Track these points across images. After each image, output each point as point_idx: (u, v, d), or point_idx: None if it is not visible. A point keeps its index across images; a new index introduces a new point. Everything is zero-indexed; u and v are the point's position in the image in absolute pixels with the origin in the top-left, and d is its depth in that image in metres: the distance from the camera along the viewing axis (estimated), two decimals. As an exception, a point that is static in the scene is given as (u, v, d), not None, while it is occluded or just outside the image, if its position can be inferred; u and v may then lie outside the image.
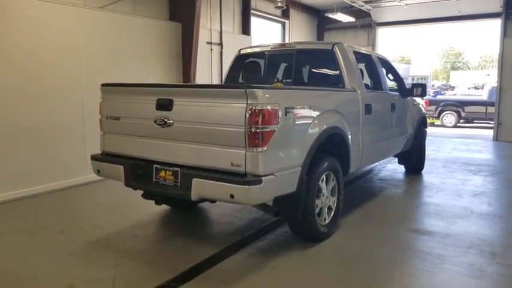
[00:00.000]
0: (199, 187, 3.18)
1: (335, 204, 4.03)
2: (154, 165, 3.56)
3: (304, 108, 3.45)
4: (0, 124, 4.95)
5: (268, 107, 3.06)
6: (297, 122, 3.36)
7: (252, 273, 3.21)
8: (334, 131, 3.91)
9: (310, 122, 3.52)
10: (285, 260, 3.44)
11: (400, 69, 30.20)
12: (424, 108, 6.88)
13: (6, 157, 5.02)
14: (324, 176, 3.79)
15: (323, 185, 3.81)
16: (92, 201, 5.16)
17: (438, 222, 4.39)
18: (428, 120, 16.50)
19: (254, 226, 4.18)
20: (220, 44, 8.25)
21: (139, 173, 3.60)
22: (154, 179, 3.56)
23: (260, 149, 3.03)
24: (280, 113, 3.15)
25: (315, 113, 3.58)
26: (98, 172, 3.85)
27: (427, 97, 18.05)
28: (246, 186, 2.98)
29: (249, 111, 3.00)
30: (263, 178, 3.04)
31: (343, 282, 3.11)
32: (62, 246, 3.68)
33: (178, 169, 3.37)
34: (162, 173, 3.52)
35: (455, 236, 4.00)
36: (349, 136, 4.17)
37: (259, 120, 3.01)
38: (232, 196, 3.02)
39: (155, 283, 3.03)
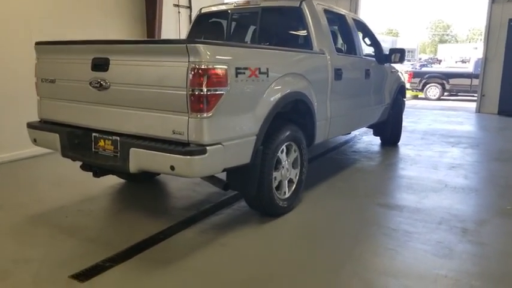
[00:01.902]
0: (137, 158, 2.83)
1: (297, 177, 3.72)
2: (93, 134, 3.18)
3: (260, 69, 3.07)
4: None
5: (215, 67, 2.68)
6: (251, 86, 2.99)
7: (198, 250, 2.91)
8: (297, 97, 3.56)
9: (267, 86, 3.15)
10: (237, 237, 3.14)
11: (387, 41, 29.75)
12: (406, 79, 6.55)
13: None
14: (284, 147, 3.46)
15: (283, 156, 3.48)
16: (40, 174, 4.76)
17: (409, 196, 4.13)
18: (412, 93, 16.36)
19: (212, 200, 3.86)
20: (189, 7, 7.70)
21: (77, 142, 3.22)
22: (93, 149, 3.20)
23: (205, 115, 2.67)
24: (229, 74, 2.77)
25: (273, 76, 3.21)
26: (35, 141, 3.47)
27: (411, 69, 17.80)
28: (188, 157, 2.64)
29: (192, 71, 2.62)
30: (208, 148, 2.69)
31: (294, 261, 2.82)
32: (1, 222, 3.33)
33: (118, 138, 3.00)
34: (101, 143, 3.15)
35: (426, 211, 3.74)
36: (315, 104, 3.83)
37: (204, 82, 2.64)
38: (172, 168, 2.68)
39: (89, 262, 2.71)
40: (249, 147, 3.06)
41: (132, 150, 2.83)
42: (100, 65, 2.99)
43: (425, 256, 2.91)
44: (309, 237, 3.19)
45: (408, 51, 39.40)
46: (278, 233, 3.24)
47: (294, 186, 3.70)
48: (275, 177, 3.41)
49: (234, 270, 2.69)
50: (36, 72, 3.44)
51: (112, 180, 4.22)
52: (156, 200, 3.96)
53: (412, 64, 25.85)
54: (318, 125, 3.92)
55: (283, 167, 3.50)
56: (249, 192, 3.27)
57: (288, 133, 3.46)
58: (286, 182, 3.60)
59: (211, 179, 3.15)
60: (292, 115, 3.74)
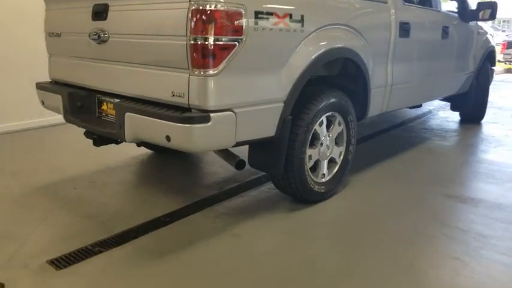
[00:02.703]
0: (132, 124, 2.32)
1: (341, 157, 3.02)
2: (97, 96, 2.74)
3: (291, 16, 2.38)
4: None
5: (225, 8, 2.06)
6: (277, 37, 2.33)
7: (204, 240, 2.38)
8: (345, 55, 2.82)
9: (301, 38, 2.46)
10: (255, 227, 2.56)
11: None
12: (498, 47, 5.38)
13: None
14: (323, 118, 2.77)
15: (322, 130, 2.80)
16: (61, 143, 4.42)
17: (488, 187, 3.25)
18: (504, 66, 14.23)
19: (239, 179, 3.31)
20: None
21: (79, 105, 2.80)
22: (97, 114, 2.77)
23: (210, 72, 2.08)
24: (246, 19, 2.14)
25: (310, 26, 2.50)
26: (43, 103, 3.12)
27: (504, 39, 15.53)
28: (185, 125, 2.07)
29: (193, 14, 2.03)
30: (213, 115, 2.10)
31: (315, 267, 2.18)
32: (5, 191, 3.06)
33: (117, 101, 2.53)
34: (104, 106, 2.70)
35: (510, 208, 2.87)
36: (370, 66, 3.05)
37: (209, 28, 2.03)
38: (168, 138, 2.14)
39: (77, 245, 2.30)
40: (272, 117, 2.42)
41: (128, 115, 2.33)
42: (100, 12, 2.50)
43: (504, 273, 2.12)
44: (343, 236, 2.51)
45: (504, 21, 35.15)
46: (307, 226, 2.61)
47: (337, 167, 3.01)
48: (310, 156, 2.74)
49: (238, 270, 2.13)
50: (45, 26, 3.06)
51: (137, 151, 3.83)
52: (180, 175, 3.48)
53: (507, 35, 22.88)
54: (373, 93, 3.15)
55: (321, 144, 2.82)
56: (273, 173, 2.66)
57: (330, 101, 2.75)
58: (326, 162, 2.92)
59: (224, 153, 2.58)
60: (338, 79, 3.02)
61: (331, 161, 2.98)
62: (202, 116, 2.08)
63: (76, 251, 2.27)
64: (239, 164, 2.50)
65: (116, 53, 2.48)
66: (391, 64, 3.33)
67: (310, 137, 2.69)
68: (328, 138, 2.86)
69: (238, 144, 2.31)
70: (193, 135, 2.08)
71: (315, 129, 2.73)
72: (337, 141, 2.99)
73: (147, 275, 2.07)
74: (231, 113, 2.18)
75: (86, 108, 2.79)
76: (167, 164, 3.71)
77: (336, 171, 3.00)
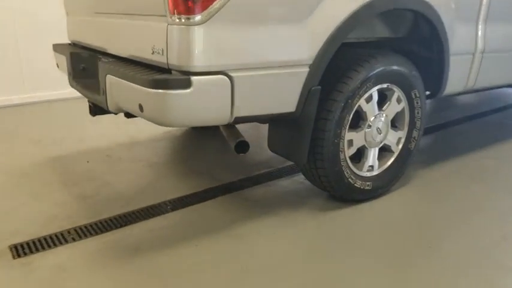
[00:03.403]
0: (112, 89, 1.86)
1: (400, 145, 2.28)
2: (98, 57, 2.33)
3: None
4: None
5: None
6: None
7: (197, 237, 1.87)
8: (412, 6, 2.05)
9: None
10: (265, 227, 1.98)
11: None
12: None
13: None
14: (373, 92, 2.06)
15: (370, 107, 2.08)
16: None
17: None
18: None
19: (274, 164, 2.72)
20: None
21: (82, 68, 2.42)
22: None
23: (195, 18, 1.52)
24: None
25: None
26: (58, 66, 2.82)
27: None
28: (158, 91, 1.55)
29: None
30: (196, 79, 1.54)
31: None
32: (18, 159, 2.85)
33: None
34: (103, 68, 2.29)
35: None
36: (450, 21, 2.23)
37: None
38: (141, 108, 1.64)
39: (51, 230, 1.96)
40: (291, 86, 1.78)
41: (108, 78, 1.87)
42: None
43: None
44: (383, 254, 1.82)
45: None
46: (334, 235, 1.95)
47: (393, 159, 2.28)
48: (350, 141, 2.07)
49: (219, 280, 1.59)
50: (61, -22, 2.73)
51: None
52: (206, 155, 2.99)
53: None
54: (453, 61, 2.33)
55: (369, 126, 2.11)
56: (296, 160, 2.03)
57: (385, 69, 2.03)
58: (375, 150, 2.20)
59: (226, 130, 2.01)
60: (407, 43, 2.27)
61: (385, 150, 2.26)
62: (180, 79, 1.54)
63: (48, 236, 1.92)
64: (239, 146, 1.92)
65: (107, 2, 2.03)
66: (483, 24, 2.45)
67: (350, 116, 2.01)
68: (380, 119, 2.14)
69: (239, 120, 1.73)
70: (167, 105, 1.55)
71: (359, 105, 2.03)
72: (395, 124, 2.25)
73: (102, 280, 1.63)
74: (224, 77, 1.60)
75: (88, 71, 2.40)
76: (200, 141, 3.25)
77: (391, 164, 2.27)
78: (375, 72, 2.00)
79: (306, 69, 1.78)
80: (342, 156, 2.02)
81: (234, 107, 1.66)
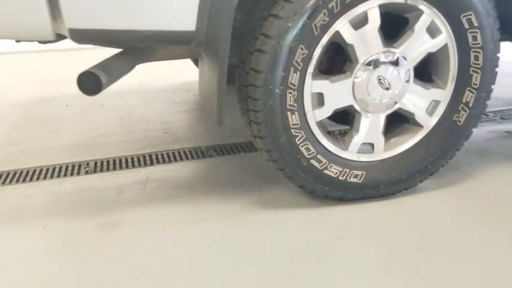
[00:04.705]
0: None
1: (437, 115, 1.28)
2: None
3: None
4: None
5: None
6: None
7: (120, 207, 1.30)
8: None
9: None
10: (206, 222, 1.27)
11: None
12: None
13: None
14: (367, 6, 1.12)
15: (360, 36, 1.15)
16: None
17: None
18: None
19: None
20: None
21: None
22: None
23: None
24: None
25: None
26: None
27: None
28: None
29: None
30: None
31: None
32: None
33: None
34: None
35: None
36: None
37: None
38: None
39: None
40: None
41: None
42: None
43: None
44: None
45: None
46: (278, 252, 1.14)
47: (419, 137, 1.30)
48: (319, 96, 1.19)
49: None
50: None
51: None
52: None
53: None
54: None
55: (362, 72, 1.19)
56: (216, 118, 1.24)
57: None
58: (381, 118, 1.26)
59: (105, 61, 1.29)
60: None
61: (404, 120, 1.30)
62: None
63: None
64: (83, 81, 1.18)
65: None
66: None
67: (316, 51, 1.12)
68: (388, 61, 1.19)
69: (78, 37, 1.04)
70: None
71: (338, 32, 1.13)
72: (427, 76, 1.27)
73: None
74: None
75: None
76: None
77: (413, 147, 1.30)
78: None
79: (204, -48, 0.99)
80: (293, 119, 1.17)
81: (57, 11, 0.98)
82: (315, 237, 1.16)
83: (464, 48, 1.22)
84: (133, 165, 1.64)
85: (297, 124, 1.18)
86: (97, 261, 1.08)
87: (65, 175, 1.57)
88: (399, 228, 1.20)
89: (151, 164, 1.66)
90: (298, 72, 1.13)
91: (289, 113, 1.16)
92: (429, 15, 1.18)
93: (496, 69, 1.28)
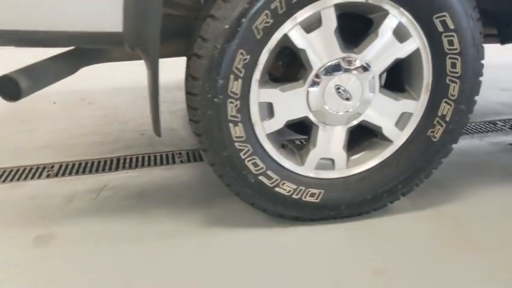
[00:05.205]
0: None
1: (408, 128, 1.13)
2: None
3: None
4: None
5: None
6: None
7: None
8: None
9: None
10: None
11: None
12: None
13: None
14: (320, 7, 0.99)
15: (313, 41, 1.02)
16: None
17: None
18: None
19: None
20: None
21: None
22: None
23: None
24: None
25: None
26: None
27: None
28: None
29: None
30: None
31: None
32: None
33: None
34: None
35: None
36: None
37: None
38: None
39: None
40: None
41: None
42: None
43: None
44: None
45: None
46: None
47: (387, 154, 1.15)
48: (268, 106, 1.07)
49: None
50: None
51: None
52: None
53: None
54: None
55: (316, 80, 1.05)
56: (154, 127, 1.14)
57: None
58: (342, 131, 1.12)
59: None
60: None
61: (373, 135, 1.16)
62: None
63: None
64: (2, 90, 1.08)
65: None
66: None
67: (263, 56, 1.00)
68: (348, 68, 1.05)
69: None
70: None
71: (287, 36, 1.00)
72: (399, 85, 1.12)
73: None
74: None
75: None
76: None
77: (381, 163, 1.15)
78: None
79: None
80: (236, 132, 1.05)
81: None
82: (249, 265, 1.05)
83: (439, 54, 1.07)
84: (96, 170, 1.57)
85: (242, 137, 1.06)
86: (12, 280, 1.01)
87: (25, 178, 1.52)
88: (354, 258, 1.07)
89: (116, 169, 1.58)
90: (239, 80, 1.01)
91: (231, 124, 1.04)
92: (396, 16, 1.03)
93: (480, 78, 1.11)
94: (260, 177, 1.10)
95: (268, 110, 1.08)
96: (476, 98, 1.13)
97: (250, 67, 1.01)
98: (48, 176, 1.54)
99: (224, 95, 1.01)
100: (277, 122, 1.09)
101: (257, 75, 1.03)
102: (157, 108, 1.04)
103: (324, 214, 1.17)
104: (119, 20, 0.95)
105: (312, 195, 1.14)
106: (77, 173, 1.56)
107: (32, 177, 1.53)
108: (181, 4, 1.21)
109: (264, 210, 1.17)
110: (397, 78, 1.15)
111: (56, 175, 1.54)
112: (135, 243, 1.15)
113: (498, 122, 1.94)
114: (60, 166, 1.61)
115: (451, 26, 1.03)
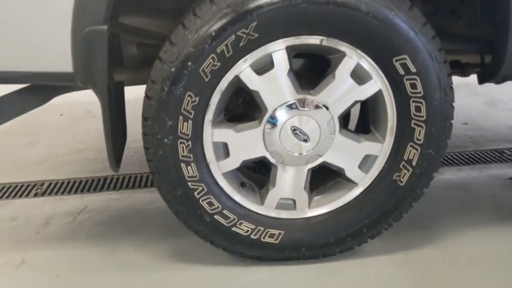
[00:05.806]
0: None
1: (374, 171, 1.09)
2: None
3: None
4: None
5: None
6: None
7: None
8: None
9: None
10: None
11: None
12: None
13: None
14: (271, 49, 0.96)
15: (265, 82, 0.99)
16: None
17: None
18: None
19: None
20: None
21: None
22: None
23: None
24: None
25: None
26: None
27: None
28: None
29: None
30: None
31: None
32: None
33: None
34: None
35: None
36: None
37: None
38: None
39: None
40: (45, 21, 0.94)
41: None
42: None
43: None
44: None
45: None
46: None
47: (352, 196, 1.11)
48: (224, 146, 1.05)
49: None
50: None
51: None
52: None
53: None
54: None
55: (273, 121, 1.02)
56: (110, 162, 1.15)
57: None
58: (302, 171, 1.08)
59: None
60: None
61: (338, 176, 1.12)
62: None
63: None
64: None
65: None
66: None
67: (214, 96, 0.98)
68: (304, 110, 1.02)
69: None
70: None
71: (238, 77, 0.98)
72: (367, 125, 1.08)
73: None
74: None
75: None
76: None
77: (345, 206, 1.11)
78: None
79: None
80: (189, 172, 1.04)
81: None
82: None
83: (402, 97, 1.01)
84: (82, 190, 1.61)
85: (195, 176, 1.05)
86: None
87: (14, 196, 1.59)
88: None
89: (101, 189, 1.62)
90: (189, 121, 1.00)
91: (183, 164, 1.03)
92: (353, 58, 0.98)
93: (451, 122, 1.04)
94: (216, 217, 1.09)
95: (224, 150, 1.06)
96: (447, 141, 1.07)
97: (201, 108, 0.99)
98: (35, 195, 1.59)
99: (174, 135, 1.00)
100: (234, 162, 1.07)
101: (209, 115, 1.01)
102: (110, 141, 1.05)
103: (284, 255, 1.14)
104: (69, 62, 0.97)
105: (272, 236, 1.12)
106: (63, 192, 1.61)
107: (21, 195, 1.59)
108: (148, 32, 1.22)
109: (223, 248, 1.15)
110: (364, 120, 1.10)
111: (43, 194, 1.60)
112: (96, 274, 1.16)
113: (506, 151, 1.82)
114: (50, 184, 1.66)
115: (413, 69, 0.97)
